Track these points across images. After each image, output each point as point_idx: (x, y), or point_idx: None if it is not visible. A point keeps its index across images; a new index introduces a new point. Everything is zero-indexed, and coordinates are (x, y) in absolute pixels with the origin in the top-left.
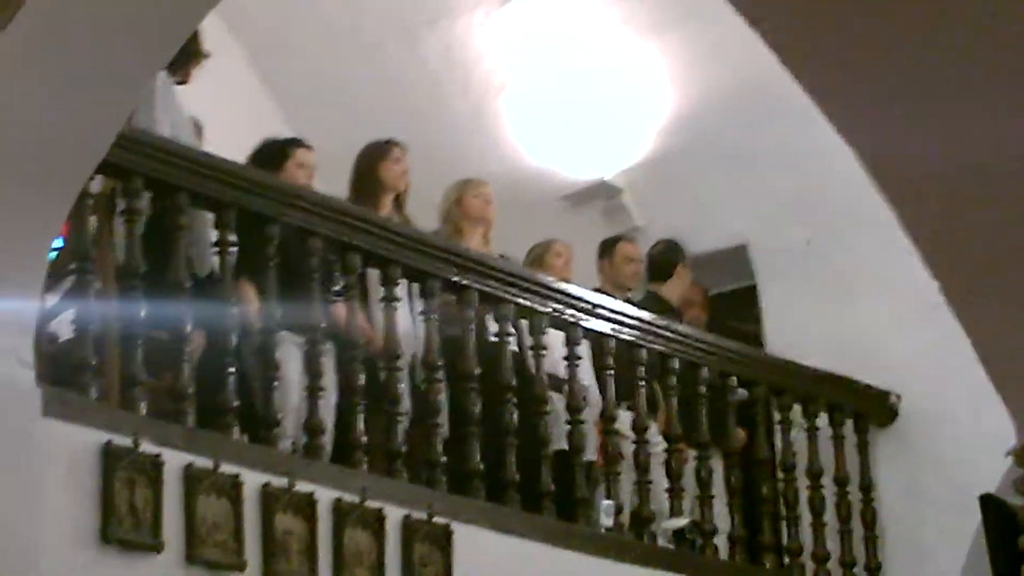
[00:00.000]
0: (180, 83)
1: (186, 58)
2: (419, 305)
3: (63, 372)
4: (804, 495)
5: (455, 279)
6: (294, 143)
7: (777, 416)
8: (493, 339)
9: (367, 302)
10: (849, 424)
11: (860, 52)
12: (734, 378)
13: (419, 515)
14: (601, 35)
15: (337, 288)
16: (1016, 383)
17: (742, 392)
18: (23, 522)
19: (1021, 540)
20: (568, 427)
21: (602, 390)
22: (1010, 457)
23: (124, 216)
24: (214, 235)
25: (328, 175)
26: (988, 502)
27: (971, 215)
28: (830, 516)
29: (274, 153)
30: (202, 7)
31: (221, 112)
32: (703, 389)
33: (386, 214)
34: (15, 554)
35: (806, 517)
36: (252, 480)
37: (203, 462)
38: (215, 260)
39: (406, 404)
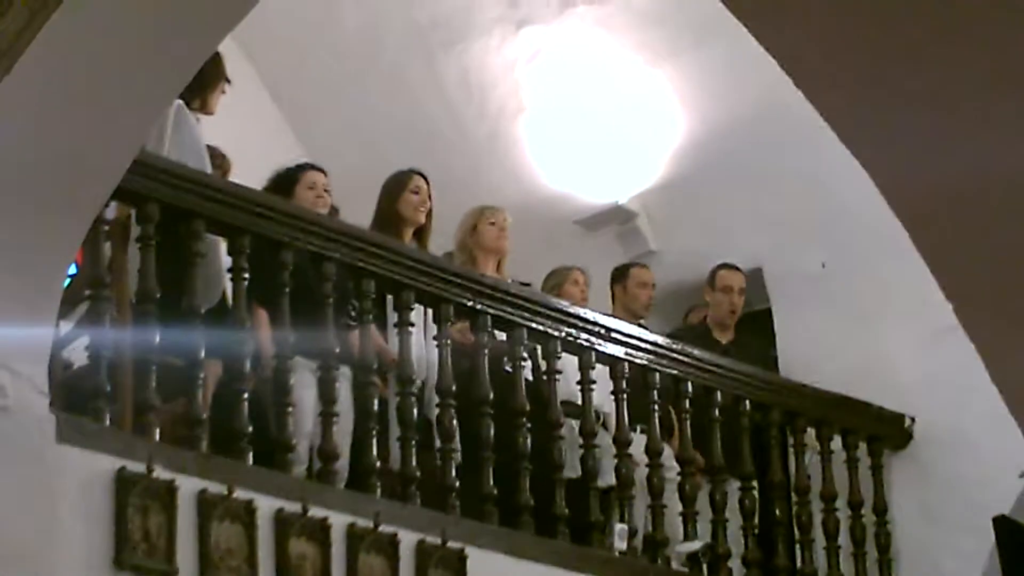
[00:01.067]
0: (200, 110)
1: (205, 84)
2: (433, 330)
3: (77, 399)
4: (818, 518)
5: (469, 304)
6: (303, 167)
7: (791, 440)
8: (507, 369)
9: (382, 328)
10: (863, 447)
11: (875, 73)
12: (747, 402)
13: (433, 540)
14: (616, 60)
15: (352, 313)
16: None
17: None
18: (38, 547)
19: None
20: (582, 451)
21: (616, 414)
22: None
23: (139, 242)
24: (226, 262)
25: (346, 200)
26: (1002, 524)
27: (985, 237)
28: (844, 539)
29: (284, 180)
30: (219, 32)
31: (237, 139)
32: (716, 413)
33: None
34: None
35: (820, 540)
36: (266, 505)
37: (217, 488)
38: (226, 287)
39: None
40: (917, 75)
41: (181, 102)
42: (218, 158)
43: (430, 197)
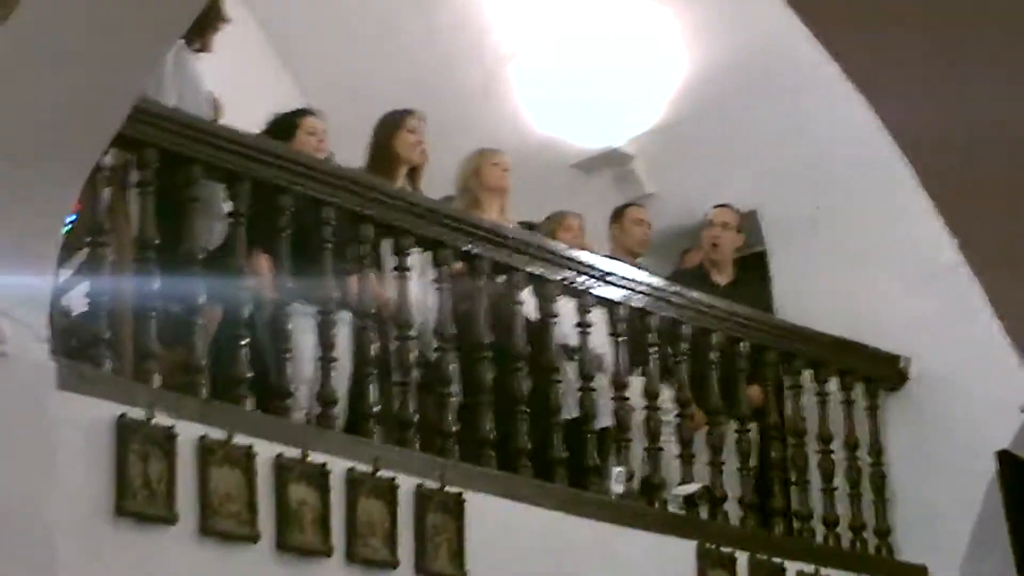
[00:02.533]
0: (199, 50)
1: (204, 24)
2: (431, 274)
3: (77, 346)
4: (814, 460)
5: (467, 248)
6: (302, 112)
7: (787, 381)
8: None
9: (380, 272)
10: (859, 388)
11: (884, 15)
12: (744, 343)
13: (432, 484)
14: (611, 2)
15: (350, 258)
16: None
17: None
18: (38, 495)
19: None
20: (580, 394)
21: (614, 357)
22: None
23: (138, 188)
24: (225, 207)
25: (341, 147)
26: (1005, 458)
27: (991, 177)
28: (840, 480)
29: (284, 125)
30: None
31: (234, 86)
32: (714, 355)
33: (399, 186)
34: (30, 526)
35: (816, 482)
36: (265, 451)
37: (217, 434)
38: (223, 231)
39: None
40: (929, 17)
41: (182, 42)
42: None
43: (425, 136)
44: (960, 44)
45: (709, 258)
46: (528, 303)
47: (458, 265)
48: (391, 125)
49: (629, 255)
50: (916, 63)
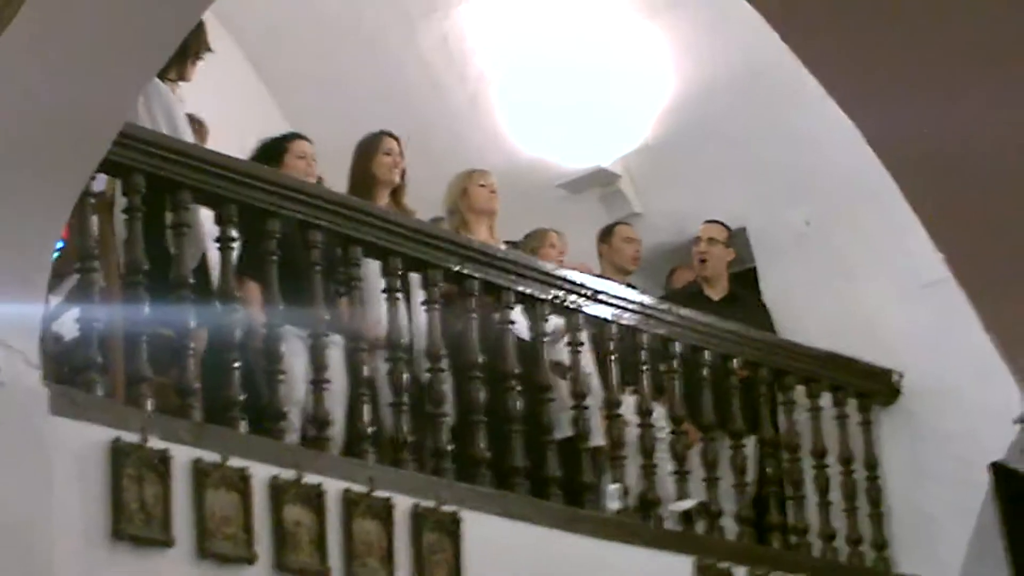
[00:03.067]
0: (178, 80)
1: (185, 53)
2: (420, 295)
3: (68, 372)
4: (809, 475)
5: (456, 268)
6: (291, 136)
7: (780, 397)
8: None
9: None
10: (853, 403)
11: (864, 30)
12: (735, 360)
13: (427, 504)
14: (594, 23)
15: (340, 280)
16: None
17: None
18: (34, 520)
19: None
20: (573, 413)
21: (605, 375)
22: (1018, 425)
23: (125, 214)
24: (207, 226)
25: (328, 169)
26: (998, 470)
27: (974, 191)
28: (836, 495)
29: (272, 149)
30: (203, 1)
31: (218, 109)
32: (706, 372)
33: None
34: (27, 553)
35: (812, 497)
36: (260, 473)
37: (211, 456)
38: (207, 249)
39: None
40: (909, 35)
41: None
42: (195, 124)
43: (402, 156)
44: (942, 58)
45: (700, 274)
46: (520, 323)
47: (447, 287)
48: (367, 149)
49: (619, 274)
50: (897, 78)
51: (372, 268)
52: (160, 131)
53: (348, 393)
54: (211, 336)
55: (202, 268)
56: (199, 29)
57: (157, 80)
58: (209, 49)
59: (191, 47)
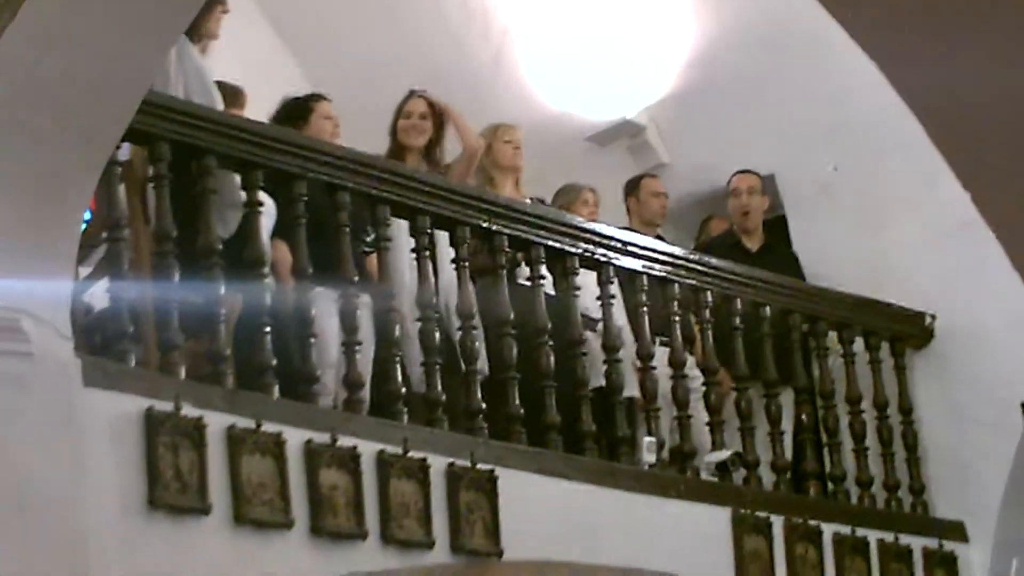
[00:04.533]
0: (207, 37)
1: (203, 11)
2: (450, 253)
3: (100, 342)
4: (844, 421)
5: (484, 225)
6: (317, 97)
7: (813, 343)
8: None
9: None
10: (886, 348)
11: None
12: (767, 308)
13: (463, 463)
14: None
15: (368, 240)
16: None
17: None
18: (71, 492)
19: None
20: (605, 367)
21: (637, 328)
22: None
23: (152, 182)
24: (240, 196)
25: (351, 131)
26: None
27: (1004, 133)
28: (871, 441)
29: (297, 109)
30: None
31: (241, 74)
32: (737, 321)
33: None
34: (63, 524)
35: (848, 443)
36: (295, 437)
37: (245, 422)
38: (236, 220)
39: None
40: None
41: (183, 35)
42: (233, 94)
43: (425, 118)
44: (969, 6)
45: (741, 226)
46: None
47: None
48: (395, 114)
49: (648, 227)
50: (925, 25)
51: (401, 227)
52: (191, 90)
53: (378, 353)
54: (243, 302)
55: (240, 239)
56: None
57: (186, 40)
58: (224, 8)
59: (209, 4)
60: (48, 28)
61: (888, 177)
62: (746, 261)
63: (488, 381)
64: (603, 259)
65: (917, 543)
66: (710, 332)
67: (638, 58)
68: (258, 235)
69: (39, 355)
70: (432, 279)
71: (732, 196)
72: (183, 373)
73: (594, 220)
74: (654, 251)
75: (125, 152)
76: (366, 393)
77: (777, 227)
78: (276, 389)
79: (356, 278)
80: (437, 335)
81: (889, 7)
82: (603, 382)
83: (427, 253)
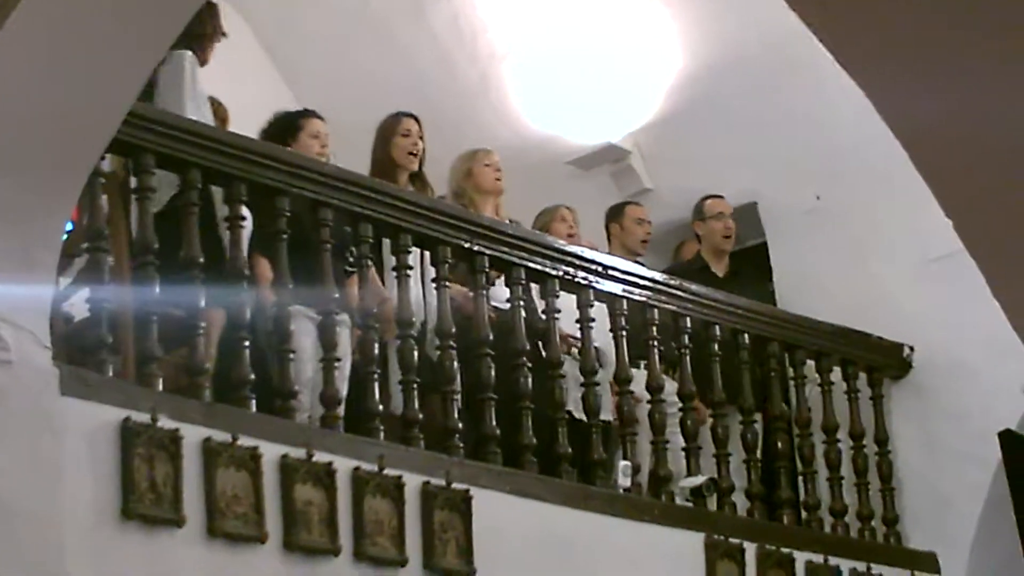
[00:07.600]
0: (201, 64)
1: (204, 37)
2: (430, 273)
3: (79, 351)
4: (820, 450)
5: (466, 245)
6: (305, 114)
7: (791, 372)
8: (504, 305)
9: (381, 271)
10: (863, 378)
11: (884, 9)
12: (745, 335)
13: (438, 482)
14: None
15: (350, 259)
16: None
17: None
18: (45, 500)
19: None
20: (583, 390)
21: (615, 351)
22: None
23: (135, 194)
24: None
25: (339, 149)
26: (1007, 438)
27: (989, 164)
28: (846, 470)
29: (286, 125)
30: None
31: (229, 90)
32: (716, 347)
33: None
34: (38, 533)
35: (823, 472)
36: (270, 452)
37: (221, 436)
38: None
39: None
40: (925, 15)
41: (192, 55)
42: (214, 105)
43: (422, 138)
44: (957, 32)
45: (720, 248)
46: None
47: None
48: (385, 132)
49: (629, 255)
50: (912, 52)
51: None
52: (201, 111)
53: (357, 371)
54: (222, 316)
55: (215, 248)
56: (214, 12)
57: (195, 61)
58: (224, 34)
59: (210, 30)
60: (32, 39)
61: (870, 206)
62: (714, 286)
63: (465, 401)
64: (583, 282)
65: (889, 573)
66: (687, 358)
67: (624, 83)
68: (240, 249)
69: (17, 363)
70: (411, 297)
71: (714, 219)
72: (160, 385)
73: (573, 237)
74: (635, 275)
75: (106, 162)
76: (342, 410)
77: (753, 256)
78: (253, 403)
79: (336, 295)
80: (416, 353)
81: (882, 39)
82: (580, 408)
83: (407, 271)
